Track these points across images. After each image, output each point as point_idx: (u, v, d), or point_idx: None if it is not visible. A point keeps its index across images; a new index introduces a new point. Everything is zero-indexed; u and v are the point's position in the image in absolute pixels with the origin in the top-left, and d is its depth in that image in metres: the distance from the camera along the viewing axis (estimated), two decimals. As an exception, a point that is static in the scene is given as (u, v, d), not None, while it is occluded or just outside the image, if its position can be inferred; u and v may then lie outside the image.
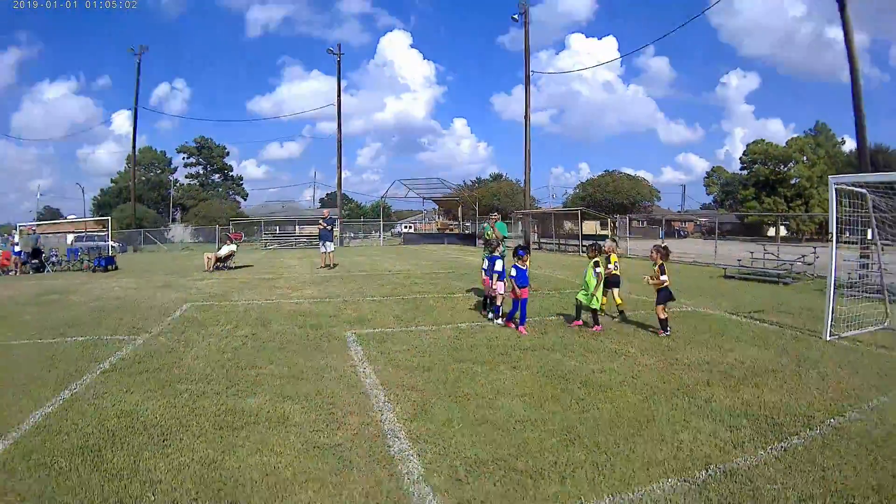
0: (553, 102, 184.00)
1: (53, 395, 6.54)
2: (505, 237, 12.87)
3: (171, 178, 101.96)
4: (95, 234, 46.25)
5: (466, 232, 56.79)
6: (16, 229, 35.72)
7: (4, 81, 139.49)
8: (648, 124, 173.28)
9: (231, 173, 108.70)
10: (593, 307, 10.48)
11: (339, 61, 57.48)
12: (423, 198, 67.98)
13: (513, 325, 10.37)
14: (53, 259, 27.64)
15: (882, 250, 14.13)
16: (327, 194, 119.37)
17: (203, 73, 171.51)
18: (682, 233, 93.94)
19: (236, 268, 24.40)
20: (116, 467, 4.63)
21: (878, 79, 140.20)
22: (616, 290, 11.76)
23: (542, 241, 44.52)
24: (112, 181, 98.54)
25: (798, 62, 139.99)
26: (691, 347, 9.07)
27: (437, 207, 78.04)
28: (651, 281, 10.29)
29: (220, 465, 4.64)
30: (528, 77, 45.08)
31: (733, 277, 20.71)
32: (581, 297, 10.59)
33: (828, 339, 9.84)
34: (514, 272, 10.27)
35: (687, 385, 6.99)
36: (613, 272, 11.81)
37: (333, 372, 7.53)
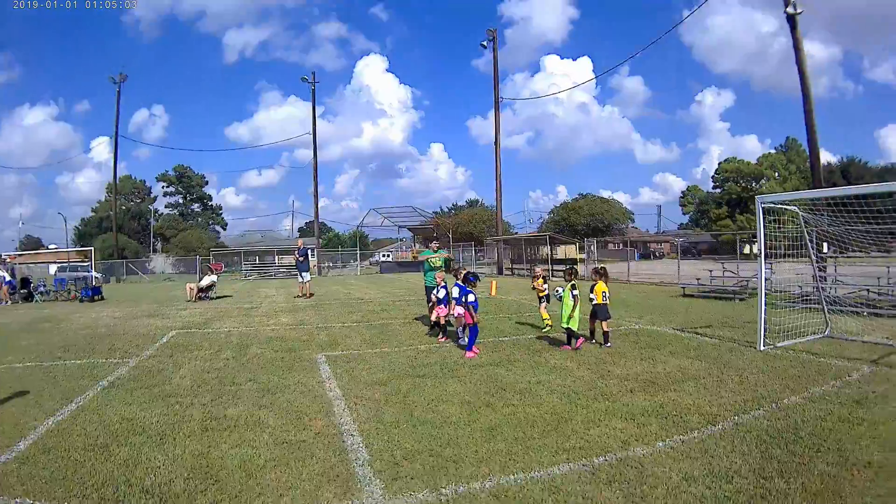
0: (529, 125, 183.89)
1: (61, 407, 7.52)
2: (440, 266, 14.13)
3: (152, 208, 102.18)
4: (78, 264, 46.79)
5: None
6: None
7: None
8: (625, 144, 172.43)
9: (210, 202, 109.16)
10: (571, 326, 11.04)
11: (313, 90, 58.61)
12: (398, 226, 68.91)
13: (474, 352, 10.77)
14: (41, 289, 28.40)
15: (824, 263, 15.30)
16: (306, 223, 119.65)
17: (181, 99, 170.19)
18: (657, 254, 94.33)
19: (217, 298, 25.31)
20: (122, 459, 5.63)
21: (853, 91, 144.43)
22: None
23: (514, 266, 45.62)
24: (92, 210, 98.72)
25: (770, 77, 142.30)
26: (626, 361, 9.97)
27: (412, 235, 79.09)
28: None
29: (207, 456, 5.67)
30: (497, 104, 46.46)
31: (692, 296, 21.70)
32: (566, 321, 11.12)
33: (761, 349, 10.62)
34: (471, 298, 10.92)
35: (611, 392, 7.96)
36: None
37: (303, 387, 8.56)
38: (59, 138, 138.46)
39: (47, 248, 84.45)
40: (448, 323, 12.43)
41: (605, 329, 11.24)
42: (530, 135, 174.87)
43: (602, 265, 12.70)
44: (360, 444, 5.99)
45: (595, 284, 11.80)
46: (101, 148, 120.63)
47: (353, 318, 16.98)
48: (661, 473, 5.14)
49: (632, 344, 11.56)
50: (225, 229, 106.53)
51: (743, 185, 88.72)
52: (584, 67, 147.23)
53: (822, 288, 13.15)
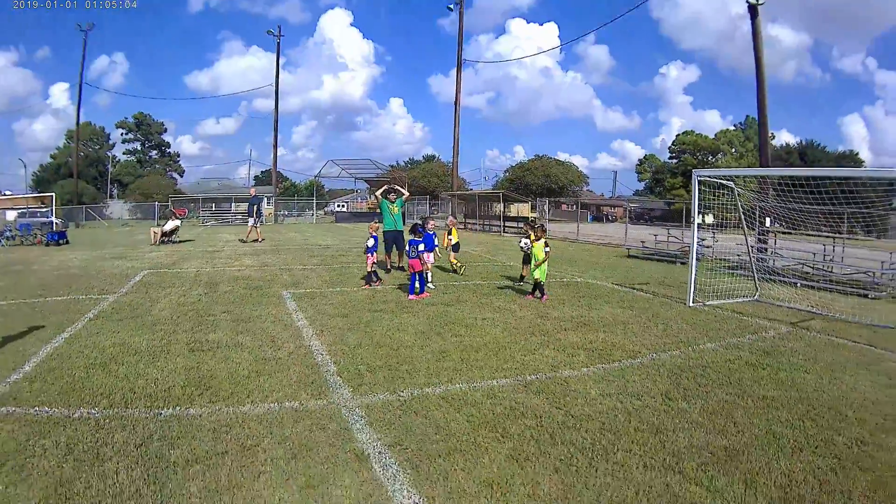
0: (491, 86, 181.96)
1: (55, 336, 8.16)
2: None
3: (109, 154, 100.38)
4: (37, 209, 46.26)
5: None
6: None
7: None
8: (585, 111, 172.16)
9: (168, 150, 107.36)
10: (540, 278, 11.49)
11: (278, 43, 57.65)
12: (355, 178, 69.06)
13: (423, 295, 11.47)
14: (7, 233, 28.47)
15: (765, 236, 16.33)
16: (262, 172, 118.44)
17: (143, 47, 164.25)
18: (610, 217, 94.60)
19: (180, 241, 25.71)
20: (122, 374, 6.39)
21: (820, 78, 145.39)
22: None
23: (467, 221, 46.37)
24: (52, 157, 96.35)
25: (737, 58, 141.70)
26: (564, 307, 10.90)
27: (368, 187, 79.32)
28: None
29: (198, 370, 6.50)
30: (459, 67, 46.49)
31: (636, 257, 22.46)
32: (538, 272, 11.49)
33: (690, 304, 11.50)
34: (421, 247, 11.62)
35: (547, 330, 8.95)
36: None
37: (273, 318, 9.40)
38: (19, 84, 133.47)
39: (3, 195, 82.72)
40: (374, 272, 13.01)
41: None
42: (491, 95, 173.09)
43: (539, 223, 13.64)
44: (329, 361, 6.90)
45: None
46: (60, 94, 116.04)
47: (312, 262, 17.75)
48: (582, 389, 6.15)
49: (572, 293, 12.41)
50: (182, 176, 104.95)
51: (699, 157, 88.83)
52: (549, 33, 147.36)
53: (753, 256, 13.99)
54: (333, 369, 6.60)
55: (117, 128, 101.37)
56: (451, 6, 47.81)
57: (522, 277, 13.50)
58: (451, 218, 18.77)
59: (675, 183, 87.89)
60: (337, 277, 14.02)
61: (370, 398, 5.71)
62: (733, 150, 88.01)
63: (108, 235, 34.18)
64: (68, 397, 5.71)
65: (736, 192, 12.96)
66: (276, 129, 58.04)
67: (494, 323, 9.34)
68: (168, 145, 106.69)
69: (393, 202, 15.26)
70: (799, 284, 14.64)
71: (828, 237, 18.06)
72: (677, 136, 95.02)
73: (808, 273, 16.52)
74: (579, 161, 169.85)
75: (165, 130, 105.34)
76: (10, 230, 29.07)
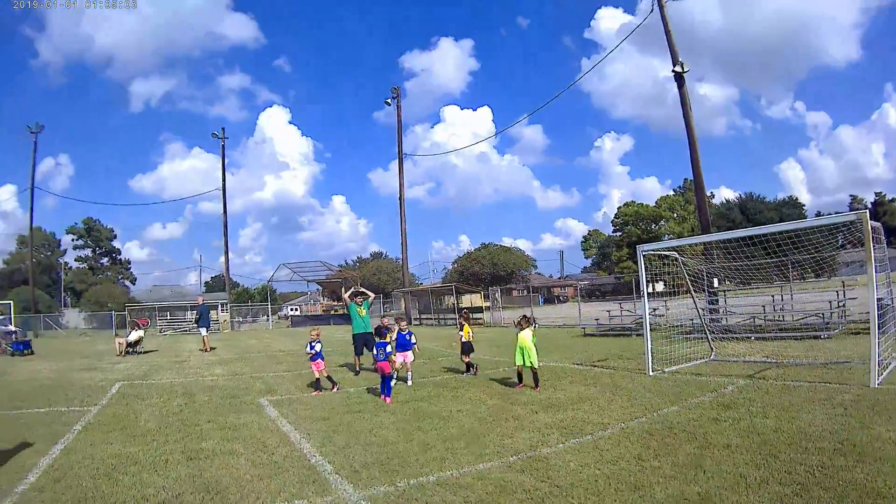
0: (430, 176, 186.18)
1: (49, 448, 8.36)
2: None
3: (61, 261, 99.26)
4: (-4, 317, 45.43)
5: (350, 312, 58.21)
6: None
7: None
8: (525, 192, 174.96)
9: (119, 256, 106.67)
10: (534, 366, 11.61)
11: (223, 146, 58.72)
12: (307, 280, 69.30)
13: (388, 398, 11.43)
14: (-31, 343, 28.05)
15: (716, 297, 17.01)
16: (212, 277, 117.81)
17: (87, 149, 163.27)
18: (561, 298, 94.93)
19: (145, 352, 25.60)
20: (129, 483, 6.69)
21: (751, 128, 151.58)
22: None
23: (422, 316, 46.77)
24: (4, 262, 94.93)
25: (668, 120, 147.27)
26: (530, 391, 11.43)
27: (320, 289, 79.52)
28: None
29: (201, 477, 6.84)
30: (401, 161, 47.69)
31: (592, 335, 23.30)
32: (526, 360, 11.54)
33: (650, 374, 12.19)
34: (388, 348, 11.90)
35: (519, 415, 9.51)
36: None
37: (258, 425, 9.72)
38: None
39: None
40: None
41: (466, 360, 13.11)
42: (431, 185, 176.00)
43: (466, 310, 14.51)
44: (323, 461, 7.30)
45: (464, 326, 14.21)
46: (5, 195, 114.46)
47: (281, 368, 17.98)
48: (562, 463, 6.73)
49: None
50: (134, 284, 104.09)
51: (642, 227, 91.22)
52: (484, 117, 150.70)
53: (705, 318, 14.86)
54: (330, 468, 6.99)
55: (67, 233, 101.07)
56: (389, 101, 49.27)
57: (469, 367, 14.25)
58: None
59: (621, 255, 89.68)
60: (308, 382, 14.23)
61: (371, 491, 6.15)
62: (675, 214, 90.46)
63: (69, 345, 33.87)
64: (81, 507, 5.95)
65: (680, 261, 13.74)
66: (226, 239, 58.07)
67: (469, 413, 9.86)
68: (119, 252, 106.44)
69: (360, 304, 15.78)
70: (753, 338, 15.48)
71: (776, 287, 18.93)
72: (619, 208, 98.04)
73: (760, 326, 17.34)
74: (524, 244, 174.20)
75: (115, 237, 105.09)
76: (-28, 338, 28.66)
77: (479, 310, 40.29)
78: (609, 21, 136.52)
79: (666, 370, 12.52)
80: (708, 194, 24.92)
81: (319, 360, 12.79)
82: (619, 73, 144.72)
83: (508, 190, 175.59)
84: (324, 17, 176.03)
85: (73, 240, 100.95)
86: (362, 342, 15.46)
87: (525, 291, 73.55)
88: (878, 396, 8.90)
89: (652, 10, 26.20)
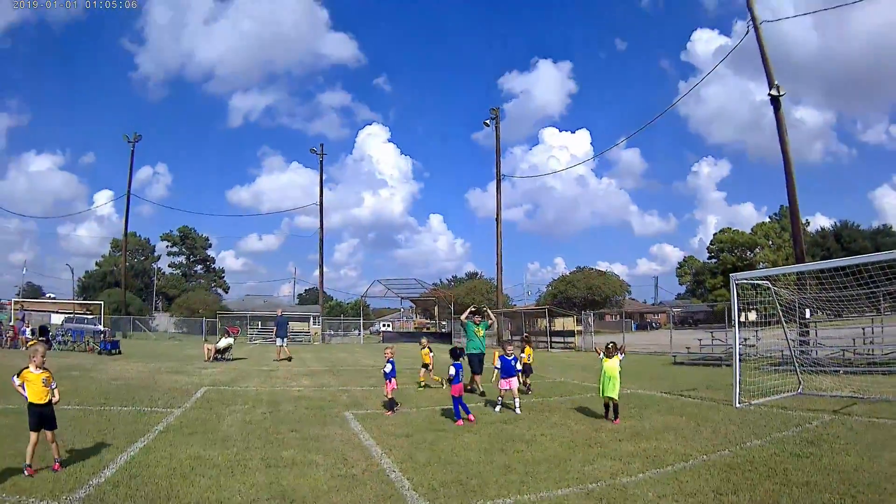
0: (528, 198, 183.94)
1: (129, 445, 8.76)
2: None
3: (155, 267, 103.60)
4: (84, 316, 47.71)
5: (443, 330, 58.94)
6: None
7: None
8: (622, 216, 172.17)
9: (213, 265, 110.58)
10: (614, 396, 11.24)
11: (321, 161, 59.93)
12: (401, 297, 70.03)
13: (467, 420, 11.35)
14: (59, 339, 29.57)
15: (807, 328, 16.55)
16: (306, 290, 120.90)
17: (185, 159, 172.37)
18: (654, 324, 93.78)
19: (233, 360, 26.52)
20: (204, 485, 6.88)
21: (848, 154, 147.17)
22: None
23: (513, 338, 46.59)
24: (97, 265, 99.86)
25: (765, 146, 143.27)
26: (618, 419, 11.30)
27: (413, 306, 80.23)
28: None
29: (278, 484, 6.97)
30: (499, 183, 47.77)
31: (682, 363, 22.95)
32: (613, 391, 11.21)
33: (737, 406, 11.99)
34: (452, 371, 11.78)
35: (603, 441, 9.44)
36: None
37: (340, 437, 9.87)
38: (63, 188, 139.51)
39: (47, 297, 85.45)
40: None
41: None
42: (528, 207, 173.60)
43: (527, 334, 14.76)
44: (402, 478, 7.33)
45: (525, 348, 14.98)
46: (105, 200, 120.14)
47: (369, 383, 18.17)
48: (641, 493, 6.61)
49: (623, 405, 12.35)
50: (227, 293, 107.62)
51: (738, 254, 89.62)
52: (582, 140, 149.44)
53: (794, 351, 14.45)
54: (408, 485, 7.02)
55: (162, 240, 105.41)
56: (487, 122, 49.38)
57: (527, 387, 15.10)
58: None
59: (715, 283, 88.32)
60: (396, 399, 14.36)
61: (448, 511, 6.13)
62: (770, 242, 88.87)
63: (156, 348, 35.37)
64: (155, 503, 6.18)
65: (773, 291, 13.42)
66: (321, 252, 59.35)
67: (552, 438, 9.82)
68: (213, 260, 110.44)
69: (478, 324, 15.85)
70: (841, 371, 15.07)
71: (867, 318, 18.21)
72: (714, 234, 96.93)
73: (849, 360, 16.76)
74: (619, 269, 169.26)
75: (210, 245, 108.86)
76: (63, 335, 30.16)
77: (572, 333, 39.88)
78: (705, 44, 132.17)
79: (753, 402, 12.34)
80: (803, 221, 24.07)
81: (392, 378, 12.78)
82: (715, 97, 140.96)
83: (605, 213, 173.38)
84: (423, 39, 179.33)
85: (167, 246, 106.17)
86: (478, 362, 15.67)
87: (618, 317, 72.26)
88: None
89: (747, 31, 25.80)
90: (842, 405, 11.32)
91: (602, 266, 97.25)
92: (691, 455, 8.33)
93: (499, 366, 13.12)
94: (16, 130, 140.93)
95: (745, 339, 17.91)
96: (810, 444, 8.46)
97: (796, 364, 14.05)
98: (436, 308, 68.76)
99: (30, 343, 26.13)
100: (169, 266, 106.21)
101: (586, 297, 75.21)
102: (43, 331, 29.80)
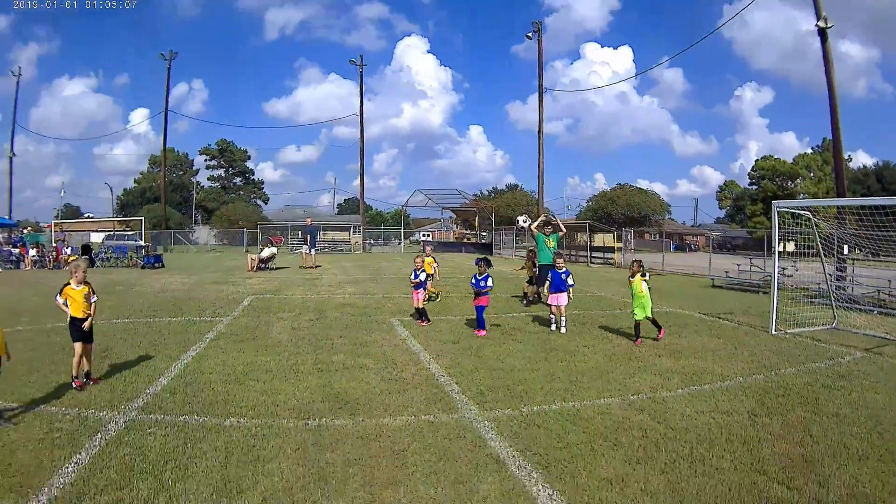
0: (568, 113, 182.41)
1: (181, 354, 9.22)
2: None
3: (194, 180, 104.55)
4: (125, 233, 48.65)
5: (483, 241, 59.28)
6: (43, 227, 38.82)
7: (24, 76, 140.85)
8: (663, 136, 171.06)
9: (252, 177, 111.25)
10: (650, 315, 11.12)
11: (361, 73, 58.38)
12: (442, 207, 70.29)
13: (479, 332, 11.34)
14: (102, 255, 30.36)
15: (844, 264, 16.51)
16: (345, 200, 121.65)
17: (221, 74, 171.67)
18: (693, 247, 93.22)
19: (276, 269, 27.06)
20: (259, 389, 7.30)
21: (893, 93, 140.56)
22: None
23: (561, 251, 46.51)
24: (135, 181, 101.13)
25: (809, 76, 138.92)
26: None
27: (453, 217, 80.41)
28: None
29: (331, 387, 7.37)
30: (541, 96, 46.65)
31: (720, 287, 22.95)
32: (645, 311, 11.01)
33: (773, 333, 12.14)
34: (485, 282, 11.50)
35: (643, 356, 9.73)
36: None
37: (388, 343, 10.30)
38: (98, 110, 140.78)
39: (86, 217, 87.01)
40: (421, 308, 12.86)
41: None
42: (569, 122, 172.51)
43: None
44: (451, 382, 7.72)
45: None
46: (140, 119, 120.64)
47: (412, 290, 18.42)
48: (679, 407, 6.95)
49: (662, 323, 12.14)
50: (266, 203, 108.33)
51: (778, 183, 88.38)
52: (624, 57, 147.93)
53: (831, 285, 14.41)
54: (457, 388, 7.41)
55: (200, 154, 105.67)
56: (529, 35, 48.32)
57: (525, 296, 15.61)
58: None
59: (755, 210, 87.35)
60: (439, 307, 14.82)
61: (495, 413, 6.51)
62: (811, 174, 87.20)
63: (198, 261, 36.20)
64: (214, 408, 6.57)
65: (813, 223, 13.40)
66: (361, 161, 58.91)
67: (594, 350, 10.14)
68: (252, 172, 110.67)
69: (548, 235, 15.93)
70: (876, 311, 14.90)
71: None
72: (756, 161, 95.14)
73: (884, 300, 16.69)
74: (659, 188, 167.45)
75: (249, 157, 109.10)
76: (106, 252, 30.95)
77: (612, 250, 39.82)
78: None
79: (788, 331, 12.40)
80: (846, 157, 23.43)
81: (422, 289, 12.82)
82: (761, 21, 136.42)
83: (646, 132, 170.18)
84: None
85: (206, 160, 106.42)
86: (548, 273, 15.59)
87: (657, 236, 71.63)
88: None
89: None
90: (874, 344, 11.33)
91: (642, 184, 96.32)
92: (728, 376, 8.61)
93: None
94: (46, 58, 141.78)
95: (784, 269, 17.75)
96: (842, 378, 8.58)
97: (832, 298, 13.98)
98: (476, 219, 68.67)
99: (70, 258, 27.18)
100: (208, 179, 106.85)
101: (626, 214, 74.67)
102: (86, 249, 30.62)
